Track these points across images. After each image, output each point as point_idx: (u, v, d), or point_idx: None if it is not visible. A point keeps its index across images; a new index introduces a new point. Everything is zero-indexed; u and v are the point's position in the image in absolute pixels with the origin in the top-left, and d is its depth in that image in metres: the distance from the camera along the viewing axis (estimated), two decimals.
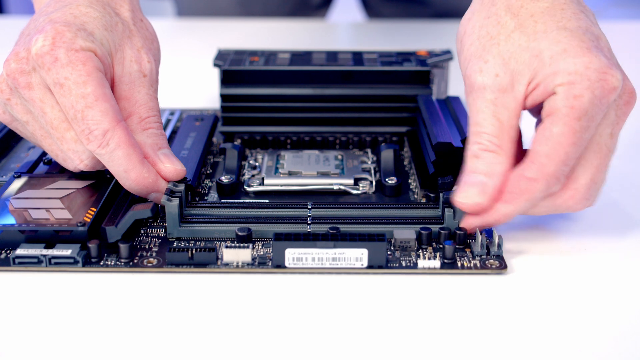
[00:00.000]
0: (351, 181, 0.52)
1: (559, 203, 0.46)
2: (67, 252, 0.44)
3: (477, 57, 0.46)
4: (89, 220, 0.45)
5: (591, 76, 0.43)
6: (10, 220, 0.45)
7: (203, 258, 0.45)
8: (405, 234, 0.46)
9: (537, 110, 0.47)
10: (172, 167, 0.48)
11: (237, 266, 0.45)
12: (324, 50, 0.64)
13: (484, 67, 0.46)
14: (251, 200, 0.51)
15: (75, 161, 0.48)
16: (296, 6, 1.01)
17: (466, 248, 0.46)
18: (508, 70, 0.45)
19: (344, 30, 1.01)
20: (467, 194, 0.45)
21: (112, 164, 0.46)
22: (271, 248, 0.45)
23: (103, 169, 0.49)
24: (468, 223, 0.46)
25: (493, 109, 0.45)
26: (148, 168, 0.47)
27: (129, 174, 0.46)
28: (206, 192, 0.53)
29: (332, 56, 0.62)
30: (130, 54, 0.49)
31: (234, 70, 0.59)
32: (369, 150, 0.58)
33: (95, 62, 0.46)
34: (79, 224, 0.45)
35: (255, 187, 0.52)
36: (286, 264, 0.44)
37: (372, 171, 0.54)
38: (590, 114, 0.43)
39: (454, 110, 0.57)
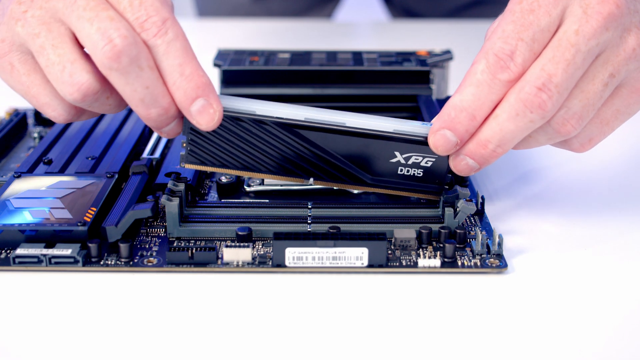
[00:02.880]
0: None
1: (512, 100, 0.43)
2: (67, 251, 0.44)
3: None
4: (89, 219, 0.45)
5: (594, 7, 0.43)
6: (10, 220, 0.45)
7: (203, 257, 0.45)
8: (406, 233, 0.46)
9: None
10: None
11: (237, 265, 0.45)
12: (324, 50, 0.64)
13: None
14: (251, 200, 0.51)
15: (77, 74, 0.43)
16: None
17: (466, 247, 0.46)
18: None
19: (360, 30, 1.01)
20: None
21: (168, 57, 0.42)
22: (271, 247, 0.45)
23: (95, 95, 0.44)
24: (433, 130, 0.45)
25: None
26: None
27: (184, 67, 0.42)
28: (206, 192, 0.53)
29: (332, 56, 0.62)
30: None
31: (234, 70, 0.59)
32: None
33: None
34: (79, 224, 0.45)
35: (255, 187, 0.52)
36: (286, 263, 0.44)
37: None
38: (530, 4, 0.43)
39: None
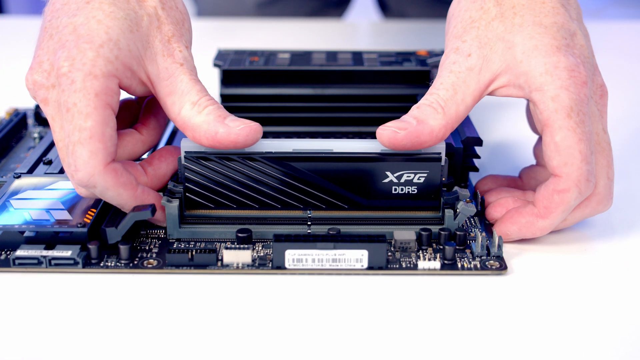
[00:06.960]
0: None
1: (587, 211, 0.47)
2: (67, 253, 0.44)
3: (456, 37, 0.48)
4: (89, 221, 0.45)
5: (561, 75, 0.45)
6: (10, 220, 0.45)
7: (203, 259, 0.45)
8: (405, 234, 0.46)
9: (534, 128, 0.50)
10: (245, 126, 0.45)
11: (237, 267, 0.45)
12: (324, 50, 0.64)
13: (460, 46, 0.47)
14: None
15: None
16: (314, 7, 1.01)
17: (466, 249, 0.46)
18: (481, 54, 0.47)
19: (362, 31, 1.01)
20: (390, 125, 0.46)
21: (106, 199, 0.45)
22: (271, 249, 0.45)
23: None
24: (505, 231, 0.47)
25: (454, 80, 0.46)
26: (143, 193, 0.46)
27: (125, 206, 0.45)
28: None
29: (332, 56, 0.62)
30: (161, 48, 0.47)
31: (234, 70, 0.59)
32: None
33: (109, 99, 0.44)
34: (79, 225, 0.45)
35: None
36: (286, 265, 0.44)
37: None
38: (576, 108, 0.44)
39: None
